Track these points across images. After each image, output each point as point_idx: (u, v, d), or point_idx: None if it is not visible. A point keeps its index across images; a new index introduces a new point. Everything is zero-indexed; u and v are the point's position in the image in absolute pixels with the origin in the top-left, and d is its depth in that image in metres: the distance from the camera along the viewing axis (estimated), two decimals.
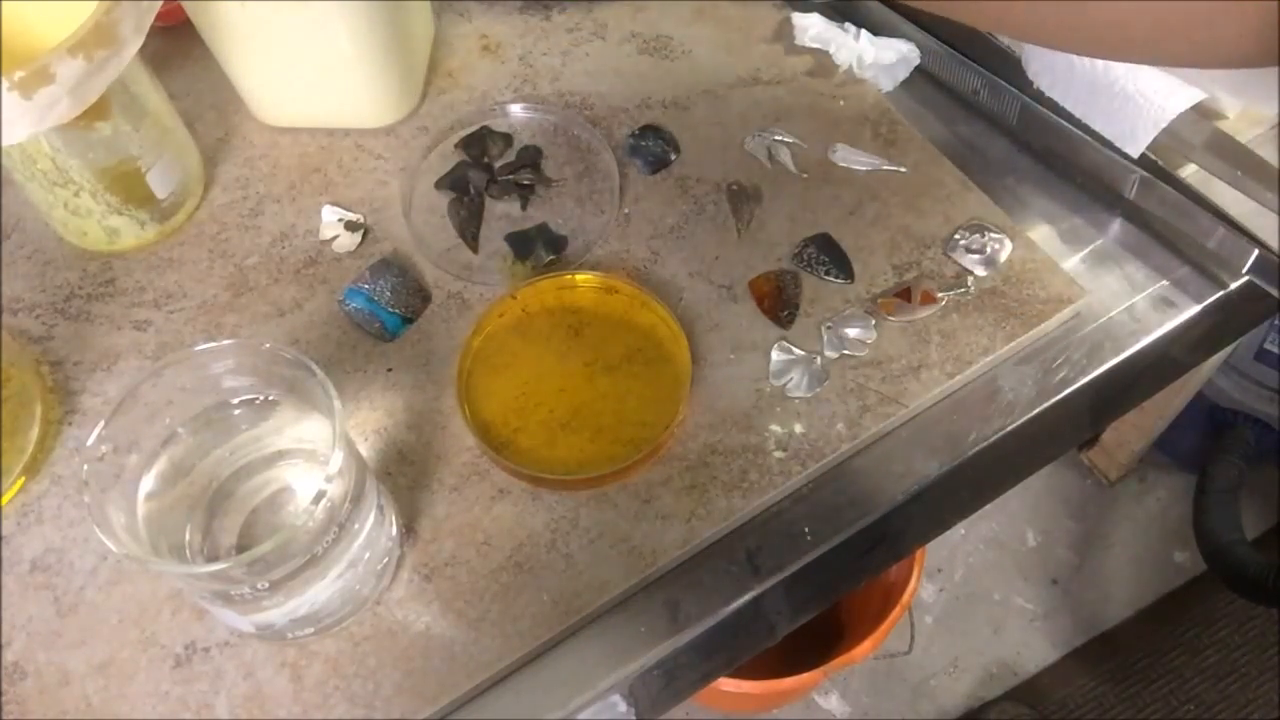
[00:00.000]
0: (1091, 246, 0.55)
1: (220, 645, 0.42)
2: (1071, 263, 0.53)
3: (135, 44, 0.45)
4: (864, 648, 0.96)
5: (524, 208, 0.55)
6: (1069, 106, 0.55)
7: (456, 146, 0.57)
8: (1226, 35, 0.30)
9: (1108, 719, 1.21)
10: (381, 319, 0.50)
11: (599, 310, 0.50)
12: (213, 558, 0.40)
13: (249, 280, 0.53)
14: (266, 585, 0.36)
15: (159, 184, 0.52)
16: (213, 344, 0.38)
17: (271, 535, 0.34)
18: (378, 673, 0.42)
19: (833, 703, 1.24)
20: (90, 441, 0.36)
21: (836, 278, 0.52)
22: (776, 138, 0.57)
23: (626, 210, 0.55)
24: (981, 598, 1.31)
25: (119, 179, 0.51)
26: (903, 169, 0.56)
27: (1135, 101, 0.52)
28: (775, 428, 0.47)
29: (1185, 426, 1.17)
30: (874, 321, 0.50)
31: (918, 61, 0.60)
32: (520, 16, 0.64)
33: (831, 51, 0.60)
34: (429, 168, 0.57)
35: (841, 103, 0.59)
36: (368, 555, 0.40)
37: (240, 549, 0.41)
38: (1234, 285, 0.53)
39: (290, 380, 0.38)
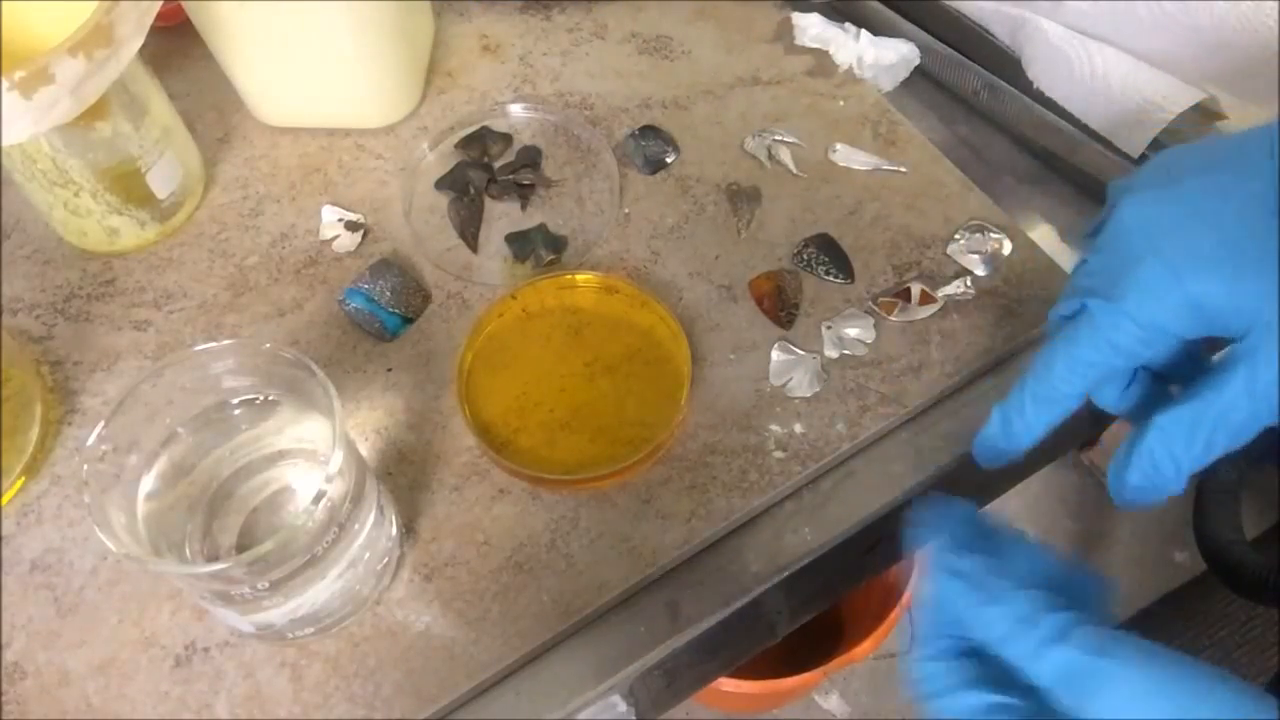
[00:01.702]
0: None
1: (220, 645, 0.42)
2: (1072, 263, 0.53)
3: (135, 44, 0.45)
4: (864, 648, 0.96)
5: (524, 208, 0.55)
6: (1069, 106, 0.55)
7: (456, 146, 0.57)
8: None
9: None
10: (381, 319, 0.50)
11: (599, 310, 0.50)
12: (213, 558, 0.40)
13: (249, 280, 0.53)
14: (266, 585, 0.36)
15: (159, 184, 0.52)
16: (213, 344, 0.38)
17: (271, 535, 0.34)
18: (378, 673, 0.42)
19: (833, 703, 1.24)
20: (90, 441, 0.36)
21: (836, 278, 0.52)
22: (776, 138, 0.57)
23: (626, 210, 0.55)
24: None
25: (119, 179, 0.51)
26: (903, 169, 0.56)
27: (1135, 101, 0.52)
28: (775, 428, 0.47)
29: None
30: (874, 321, 0.50)
31: (918, 61, 0.60)
32: (520, 16, 0.64)
33: (831, 51, 0.60)
34: (429, 168, 0.57)
35: (841, 103, 0.59)
36: (368, 555, 0.40)
37: (240, 549, 0.41)
38: None
39: (290, 380, 0.38)
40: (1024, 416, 0.38)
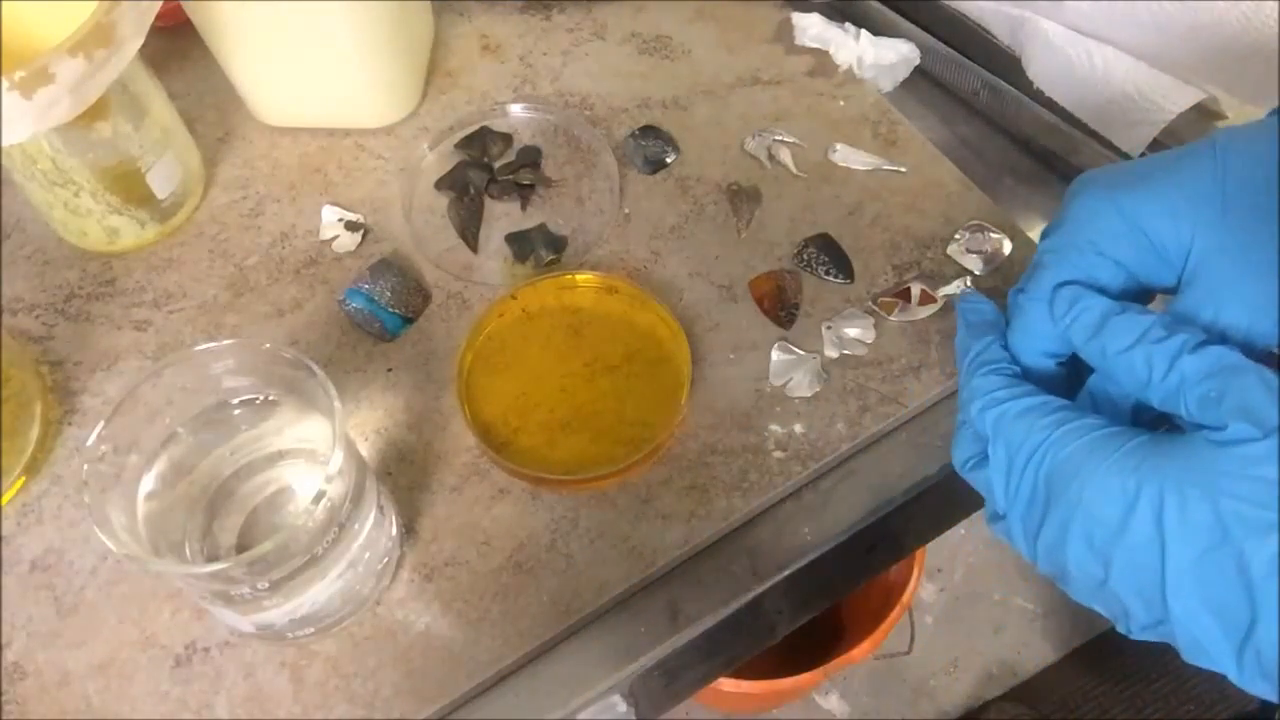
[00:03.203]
0: None
1: (220, 645, 0.42)
2: None
3: (135, 44, 0.45)
4: (864, 648, 0.96)
5: (524, 208, 0.55)
6: (1069, 106, 0.55)
7: (456, 146, 0.57)
8: None
9: (1107, 719, 1.21)
10: (381, 319, 0.50)
11: (599, 310, 0.50)
12: (213, 558, 0.40)
13: (249, 280, 0.53)
14: (266, 585, 0.36)
15: (159, 184, 0.52)
16: (213, 344, 0.38)
17: (271, 535, 0.34)
18: (378, 673, 0.42)
19: (833, 703, 1.24)
20: (90, 441, 0.36)
21: (836, 278, 0.52)
22: (776, 138, 0.57)
23: (626, 210, 0.55)
24: (981, 598, 1.31)
25: (119, 179, 0.51)
26: (903, 169, 0.56)
27: (1135, 101, 0.52)
28: (775, 428, 0.47)
29: None
30: (874, 321, 0.50)
31: (918, 61, 0.60)
32: (520, 16, 0.64)
33: (831, 51, 0.60)
34: (429, 168, 0.57)
35: (841, 103, 0.59)
36: (368, 555, 0.40)
37: (240, 549, 0.41)
38: None
39: (290, 380, 0.38)
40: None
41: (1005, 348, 0.37)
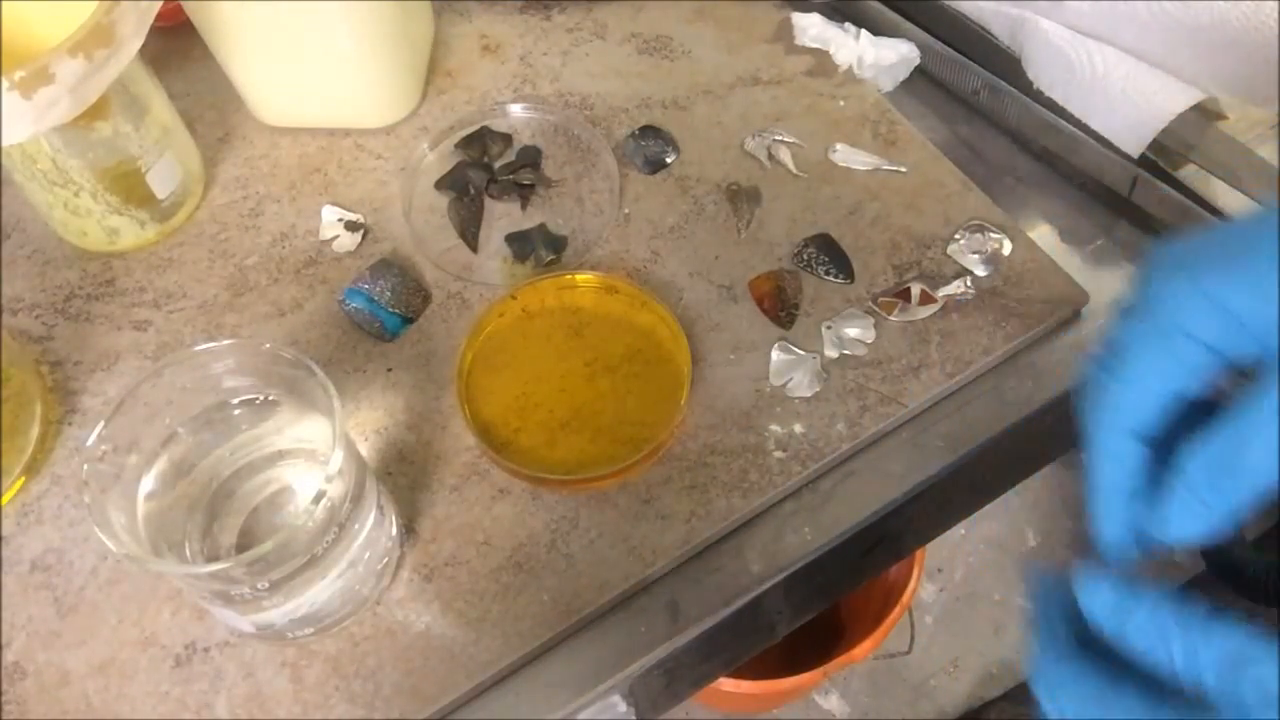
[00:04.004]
0: (1092, 247, 0.55)
1: (220, 645, 0.42)
2: (1072, 263, 0.53)
3: (135, 44, 0.45)
4: (864, 648, 0.96)
5: (524, 208, 0.55)
6: (1069, 106, 0.55)
7: (456, 146, 0.57)
8: None
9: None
10: (381, 319, 0.50)
11: (599, 310, 0.50)
12: (213, 558, 0.40)
13: (249, 280, 0.53)
14: (266, 585, 0.36)
15: (159, 184, 0.52)
16: (213, 344, 0.38)
17: (271, 535, 0.34)
18: (378, 673, 0.42)
19: (833, 703, 1.24)
20: (90, 441, 0.36)
21: (836, 278, 0.52)
22: (776, 138, 0.57)
23: (626, 210, 0.55)
24: (981, 598, 1.31)
25: (119, 179, 0.51)
26: (903, 169, 0.56)
27: (1135, 101, 0.52)
28: (775, 428, 0.47)
29: None
30: (874, 321, 0.50)
31: (918, 61, 0.60)
32: (520, 16, 0.64)
33: (831, 51, 0.60)
34: (429, 168, 0.57)
35: (841, 103, 0.59)
36: (368, 555, 0.40)
37: (240, 549, 0.41)
38: None
39: (290, 380, 0.38)
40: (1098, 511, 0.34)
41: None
